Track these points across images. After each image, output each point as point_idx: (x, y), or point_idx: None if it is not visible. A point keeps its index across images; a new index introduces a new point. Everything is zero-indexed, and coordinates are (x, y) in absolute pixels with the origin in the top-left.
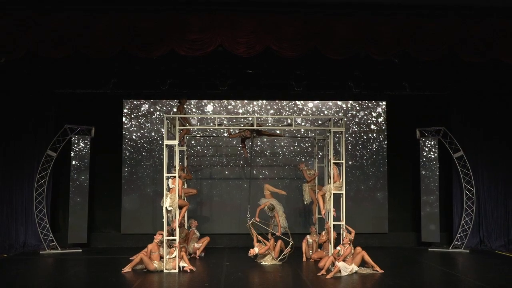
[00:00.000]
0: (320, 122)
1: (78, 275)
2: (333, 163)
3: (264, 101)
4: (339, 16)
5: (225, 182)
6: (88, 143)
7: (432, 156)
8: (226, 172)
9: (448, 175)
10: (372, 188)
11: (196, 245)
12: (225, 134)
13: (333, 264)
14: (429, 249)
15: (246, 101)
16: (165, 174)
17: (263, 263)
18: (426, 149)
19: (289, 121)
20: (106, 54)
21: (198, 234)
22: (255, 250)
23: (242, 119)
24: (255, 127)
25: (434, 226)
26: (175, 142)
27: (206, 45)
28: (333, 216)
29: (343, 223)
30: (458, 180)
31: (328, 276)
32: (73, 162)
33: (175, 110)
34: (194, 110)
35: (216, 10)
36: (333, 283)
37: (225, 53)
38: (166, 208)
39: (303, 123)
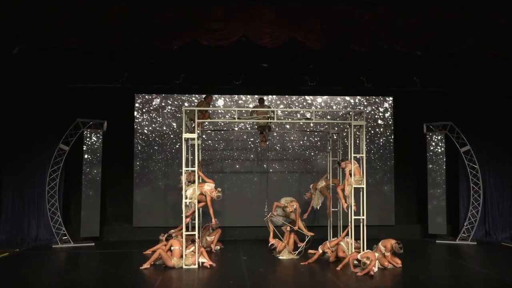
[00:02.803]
0: (329, 117)
1: (94, 271)
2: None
3: (274, 96)
4: (365, 7)
5: (236, 175)
6: (100, 137)
7: (439, 151)
8: (237, 166)
9: (454, 169)
10: (379, 181)
11: (208, 238)
12: (236, 129)
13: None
14: (436, 241)
15: (256, 96)
16: (184, 168)
17: (280, 257)
18: (433, 143)
19: (298, 116)
20: (124, 44)
21: (211, 231)
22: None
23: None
24: (276, 120)
25: (441, 218)
26: (194, 135)
27: (229, 35)
28: (354, 210)
29: (363, 217)
30: (464, 174)
31: (360, 274)
32: (85, 156)
33: (186, 104)
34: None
35: None
36: (361, 279)
37: (235, 47)
38: (185, 202)
39: (312, 118)
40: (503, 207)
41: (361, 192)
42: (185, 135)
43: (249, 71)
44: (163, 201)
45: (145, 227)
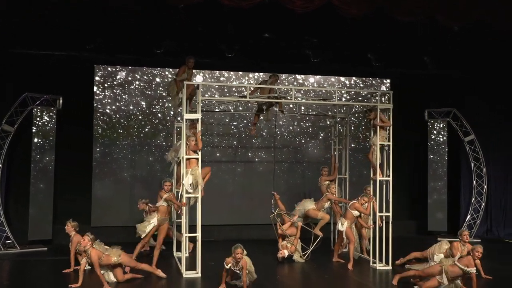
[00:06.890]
0: (321, 97)
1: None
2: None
3: (262, 74)
4: None
5: (216, 165)
6: (54, 116)
7: (441, 140)
8: (218, 154)
9: (456, 160)
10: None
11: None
12: (217, 110)
13: None
14: (438, 238)
15: (240, 72)
16: (184, 156)
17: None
18: (435, 131)
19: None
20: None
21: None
22: (284, 252)
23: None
24: (294, 101)
25: (441, 214)
26: (198, 116)
27: None
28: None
29: (389, 214)
30: (466, 166)
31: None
32: (35, 140)
33: (158, 80)
34: None
35: None
36: None
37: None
38: (186, 189)
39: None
40: (505, 202)
41: (385, 185)
42: (187, 116)
43: (241, 43)
44: (129, 196)
45: (106, 227)
